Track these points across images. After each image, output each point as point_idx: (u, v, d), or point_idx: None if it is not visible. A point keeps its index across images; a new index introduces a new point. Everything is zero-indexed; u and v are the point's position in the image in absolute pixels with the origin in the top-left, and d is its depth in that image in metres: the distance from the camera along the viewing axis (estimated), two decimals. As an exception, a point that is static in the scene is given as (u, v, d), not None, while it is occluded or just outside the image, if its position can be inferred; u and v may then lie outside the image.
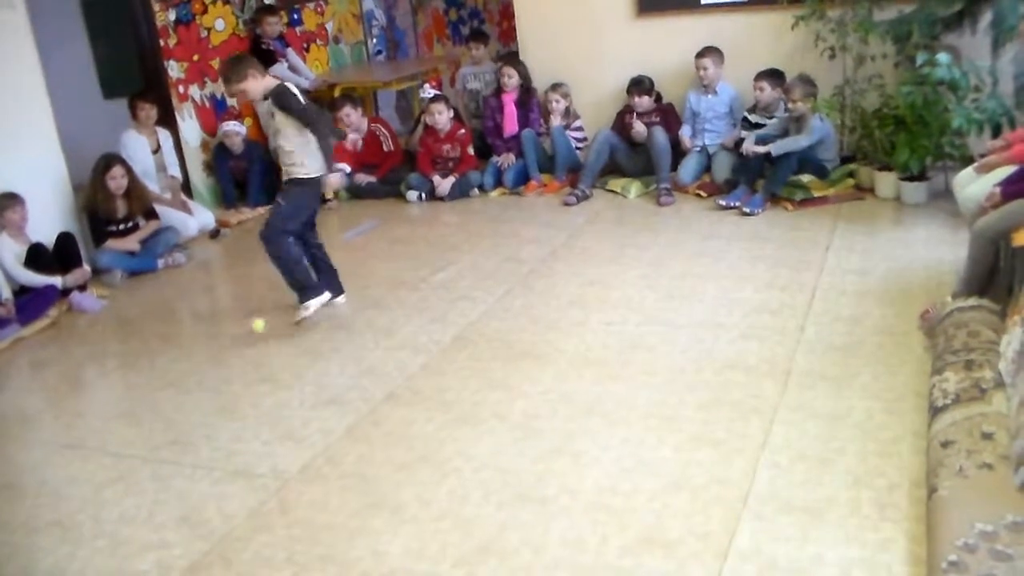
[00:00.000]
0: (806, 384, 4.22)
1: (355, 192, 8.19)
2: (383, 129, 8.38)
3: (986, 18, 6.31)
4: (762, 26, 7.42)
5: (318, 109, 5.59)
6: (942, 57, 6.07)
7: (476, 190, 7.94)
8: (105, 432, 4.56)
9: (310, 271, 5.47)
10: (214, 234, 7.64)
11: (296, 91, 5.30)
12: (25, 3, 6.61)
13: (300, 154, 5.28)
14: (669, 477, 3.62)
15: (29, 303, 6.06)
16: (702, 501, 3.45)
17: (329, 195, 6.18)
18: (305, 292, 5.40)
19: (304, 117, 5.22)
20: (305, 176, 5.33)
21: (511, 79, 8.01)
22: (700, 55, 7.40)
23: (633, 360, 4.66)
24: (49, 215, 6.65)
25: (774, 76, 7.12)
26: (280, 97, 5.23)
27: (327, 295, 5.48)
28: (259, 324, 5.41)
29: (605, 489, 3.59)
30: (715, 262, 5.85)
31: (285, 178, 5.41)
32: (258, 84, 5.28)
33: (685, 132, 7.58)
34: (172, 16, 7.99)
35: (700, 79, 7.46)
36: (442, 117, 7.93)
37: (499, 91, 8.13)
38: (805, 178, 6.81)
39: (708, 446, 3.81)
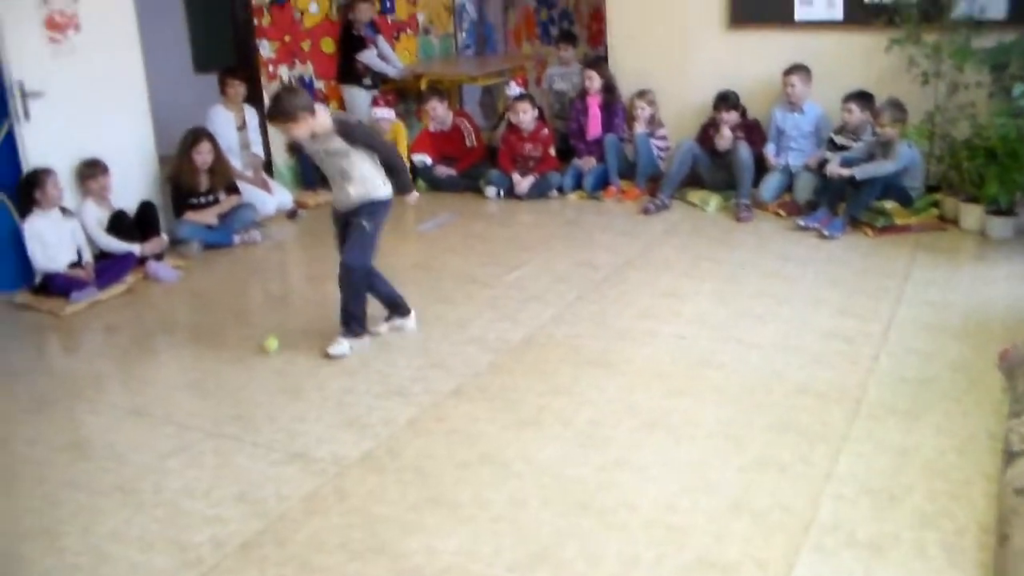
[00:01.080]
0: (876, 416, 4.14)
1: (434, 184, 8.22)
2: (467, 124, 8.40)
3: (1091, 55, 6.17)
4: (855, 46, 7.30)
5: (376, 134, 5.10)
6: (1041, 90, 5.94)
7: (555, 191, 7.93)
8: (171, 402, 4.63)
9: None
10: (291, 214, 7.71)
11: (354, 121, 4.89)
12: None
13: (374, 175, 4.97)
14: (731, 499, 3.57)
15: (108, 268, 6.19)
16: (763, 526, 3.39)
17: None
18: (352, 325, 5.04)
19: (373, 147, 4.98)
20: (385, 196, 5.01)
21: (593, 82, 8.00)
22: (788, 72, 7.32)
23: (702, 376, 4.61)
24: (133, 183, 6.77)
25: (863, 99, 7.00)
26: (347, 133, 4.86)
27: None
28: (272, 343, 5.13)
29: (665, 506, 3.55)
30: (791, 283, 5.77)
31: (361, 201, 4.95)
32: (307, 126, 4.74)
33: (769, 149, 7.49)
34: (268, -3, 8.09)
35: (787, 96, 7.36)
36: (527, 116, 7.93)
37: (585, 93, 8.10)
38: (888, 204, 6.69)
39: (773, 470, 3.75)
